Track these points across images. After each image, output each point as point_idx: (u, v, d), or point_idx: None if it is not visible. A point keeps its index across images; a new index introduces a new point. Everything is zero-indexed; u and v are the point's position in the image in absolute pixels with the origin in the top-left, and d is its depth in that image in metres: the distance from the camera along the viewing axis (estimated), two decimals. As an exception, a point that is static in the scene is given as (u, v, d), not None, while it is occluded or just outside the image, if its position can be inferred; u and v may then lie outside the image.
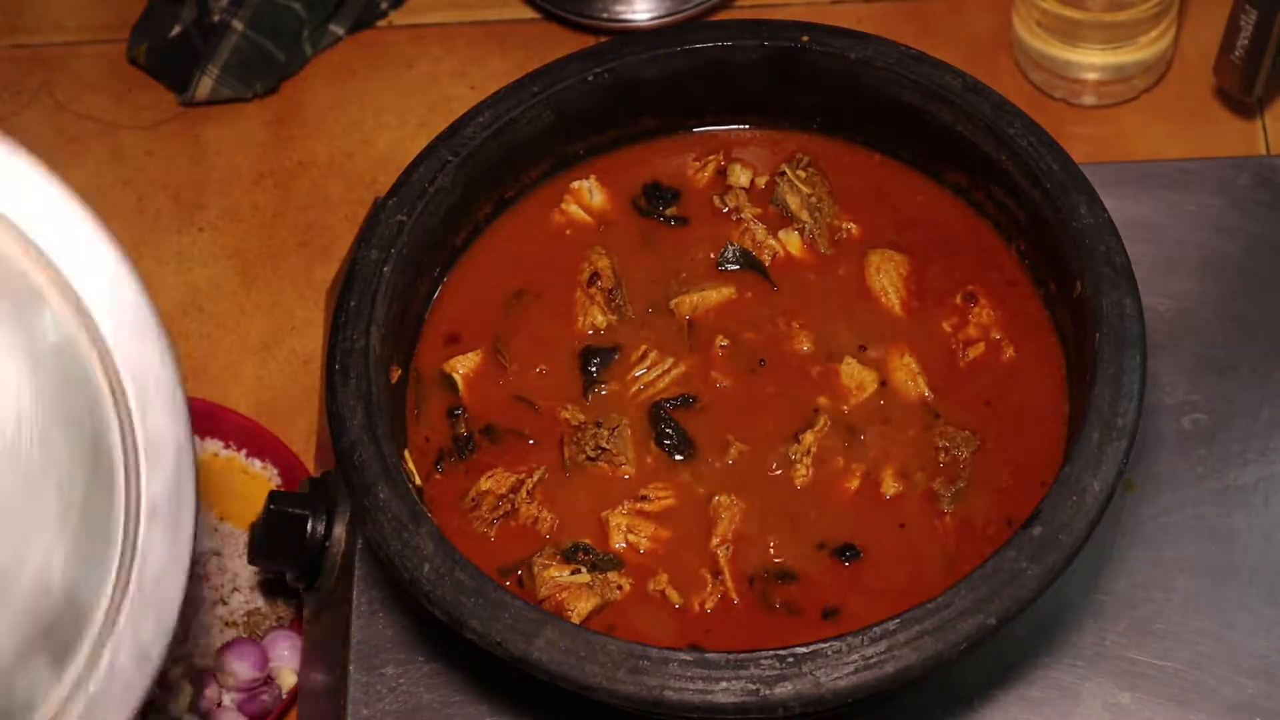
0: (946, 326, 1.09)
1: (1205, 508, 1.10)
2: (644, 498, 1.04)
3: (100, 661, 0.85)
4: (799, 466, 1.04)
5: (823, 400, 1.06)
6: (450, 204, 1.09)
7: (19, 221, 0.90)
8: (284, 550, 1.10)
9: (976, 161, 1.09)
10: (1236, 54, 1.31)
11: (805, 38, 1.11)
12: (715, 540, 1.02)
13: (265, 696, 1.20)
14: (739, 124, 1.17)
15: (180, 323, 1.36)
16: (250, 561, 1.11)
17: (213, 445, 1.29)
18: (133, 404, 0.87)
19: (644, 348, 1.09)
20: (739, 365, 1.08)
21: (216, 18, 1.45)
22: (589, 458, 1.05)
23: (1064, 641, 1.06)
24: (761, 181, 1.15)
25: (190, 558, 0.87)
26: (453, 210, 1.10)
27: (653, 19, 1.44)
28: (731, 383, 1.08)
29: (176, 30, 1.46)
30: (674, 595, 1.01)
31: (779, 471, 1.04)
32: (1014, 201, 1.08)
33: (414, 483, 1.02)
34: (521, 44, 1.46)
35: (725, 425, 1.06)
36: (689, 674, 0.92)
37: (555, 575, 1.01)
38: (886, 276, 1.10)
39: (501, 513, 1.04)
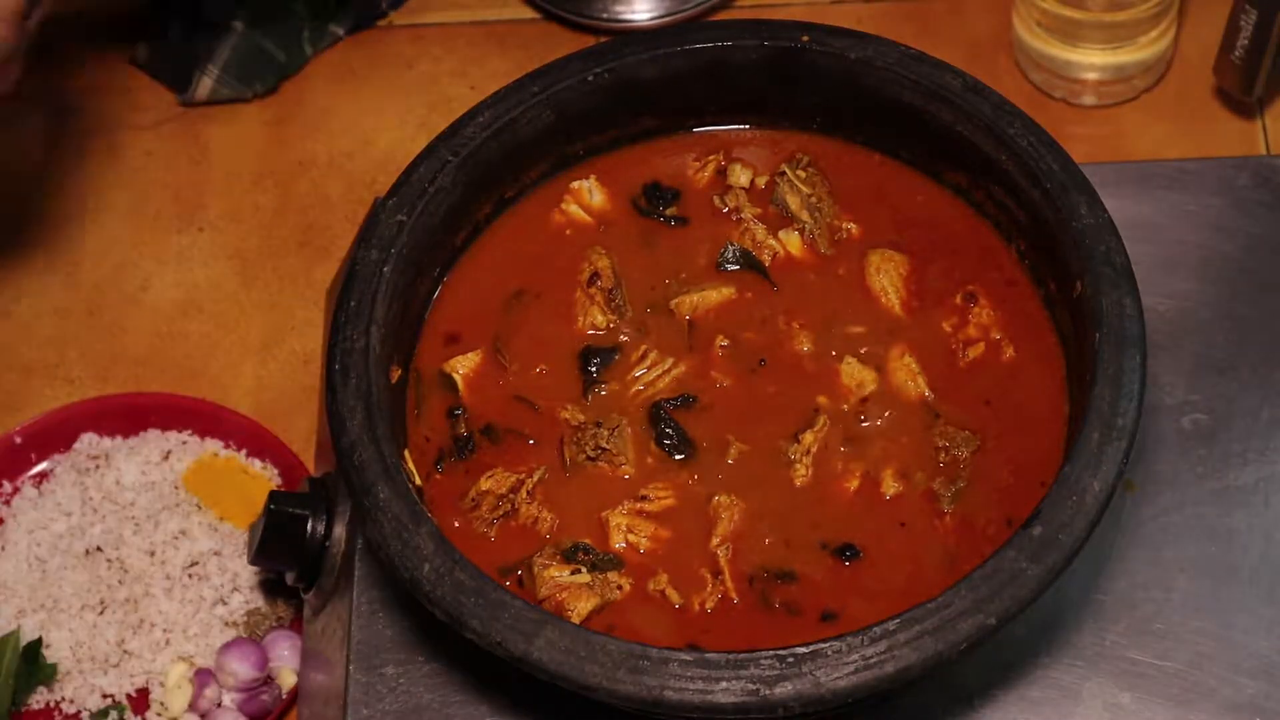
0: (946, 326, 1.09)
1: (1205, 508, 1.10)
2: (644, 498, 1.04)
3: None
4: (799, 466, 1.04)
5: (822, 400, 1.06)
6: (450, 204, 1.09)
7: None
8: (284, 550, 1.10)
9: (976, 161, 1.09)
10: (1236, 54, 1.31)
11: (805, 38, 1.11)
12: (715, 540, 1.02)
13: (265, 696, 1.20)
14: (739, 124, 1.17)
15: (180, 323, 1.36)
16: (250, 561, 1.11)
17: (213, 445, 1.29)
18: None
19: (644, 348, 1.09)
20: (739, 365, 1.08)
21: (216, 18, 1.45)
22: (589, 458, 1.05)
23: (1064, 641, 1.06)
24: (761, 181, 1.15)
25: None
26: (453, 210, 1.10)
27: (653, 19, 1.44)
28: (731, 383, 1.08)
29: (176, 30, 1.46)
30: (674, 595, 1.01)
31: (779, 471, 1.04)
32: (1014, 201, 1.08)
33: (414, 483, 1.02)
34: (521, 44, 1.46)
35: (725, 425, 1.06)
36: (689, 674, 0.92)
37: (555, 575, 1.01)
38: (886, 276, 1.10)
39: (501, 513, 1.04)
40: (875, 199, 1.14)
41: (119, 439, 1.29)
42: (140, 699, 1.20)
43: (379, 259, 1.05)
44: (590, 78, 1.11)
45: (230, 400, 1.31)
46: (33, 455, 1.29)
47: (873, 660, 0.92)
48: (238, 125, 1.44)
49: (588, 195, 1.14)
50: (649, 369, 1.08)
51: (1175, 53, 1.40)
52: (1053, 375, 1.06)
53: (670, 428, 1.06)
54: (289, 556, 1.10)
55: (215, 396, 1.31)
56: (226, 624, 1.22)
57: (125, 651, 1.21)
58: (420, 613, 1.01)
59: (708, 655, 0.92)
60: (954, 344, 1.08)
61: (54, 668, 1.20)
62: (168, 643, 1.21)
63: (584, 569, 1.01)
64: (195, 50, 1.44)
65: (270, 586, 1.23)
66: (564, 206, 1.14)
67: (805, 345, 1.08)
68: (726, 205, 1.14)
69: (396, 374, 1.06)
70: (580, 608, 1.00)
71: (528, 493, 1.04)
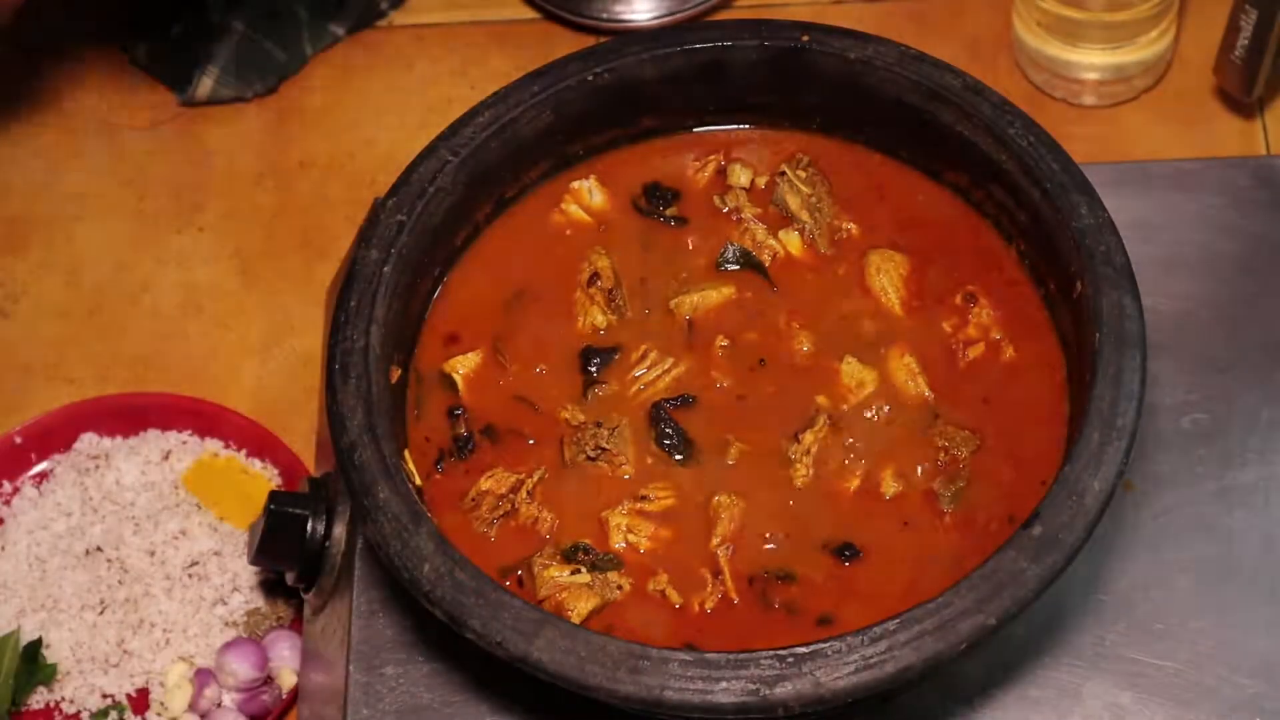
0: (946, 326, 1.09)
1: (1205, 508, 1.10)
2: (644, 498, 1.04)
3: None
4: (799, 466, 1.04)
5: (822, 400, 1.06)
6: (450, 204, 1.09)
7: None
8: (284, 550, 1.10)
9: (976, 161, 1.09)
10: (1236, 54, 1.31)
11: (805, 38, 1.11)
12: (715, 540, 1.02)
13: (265, 696, 1.20)
14: (739, 124, 1.17)
15: (180, 323, 1.36)
16: (250, 561, 1.11)
17: (213, 445, 1.29)
18: None
19: (644, 348, 1.09)
20: (739, 365, 1.08)
21: (216, 18, 1.45)
22: (589, 458, 1.05)
23: (1064, 641, 1.06)
24: (761, 181, 1.15)
25: None
26: (453, 210, 1.10)
27: (653, 19, 1.44)
28: (731, 383, 1.08)
29: (176, 30, 1.46)
30: (674, 595, 1.01)
31: (779, 471, 1.04)
32: (1014, 201, 1.08)
33: (414, 483, 1.02)
34: (521, 44, 1.46)
35: (725, 425, 1.06)
36: (689, 674, 0.92)
37: (555, 575, 1.01)
38: (886, 276, 1.10)
39: (501, 513, 1.04)
40: (875, 199, 1.14)
41: (119, 439, 1.29)
42: (140, 699, 1.20)
43: (379, 259, 1.05)
44: (590, 78, 1.11)
45: (230, 400, 1.31)
46: (33, 455, 1.29)
47: (873, 660, 0.92)
48: (238, 125, 1.44)
49: (588, 195, 1.14)
50: (649, 369, 1.08)
51: (1175, 53, 1.40)
52: (1053, 375, 1.06)
53: (670, 428, 1.06)
54: (289, 556, 1.10)
55: (215, 396, 1.31)
56: (226, 624, 1.22)
57: (125, 651, 1.21)
58: (420, 613, 1.01)
59: (708, 655, 0.92)
60: (954, 344, 1.08)
61: (54, 668, 1.20)
62: (168, 643, 1.21)
63: (584, 569, 1.01)
64: (195, 50, 1.44)
65: (270, 586, 1.23)
66: (564, 206, 1.14)
67: (805, 345, 1.08)
68: (726, 205, 1.14)
69: (396, 374, 1.06)
70: (580, 608, 1.00)
71: (528, 493, 1.04)
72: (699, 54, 1.12)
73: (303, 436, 1.29)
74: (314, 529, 1.09)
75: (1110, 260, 1.02)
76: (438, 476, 1.05)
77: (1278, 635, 1.06)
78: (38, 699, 1.20)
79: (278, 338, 1.35)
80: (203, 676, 1.20)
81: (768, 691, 0.92)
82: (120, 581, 1.22)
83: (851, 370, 1.07)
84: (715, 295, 1.10)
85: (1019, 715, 1.04)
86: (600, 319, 1.10)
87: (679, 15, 1.44)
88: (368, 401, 1.01)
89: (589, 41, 1.43)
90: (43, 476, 1.28)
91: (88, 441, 1.29)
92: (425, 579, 0.96)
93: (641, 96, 1.13)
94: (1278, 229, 1.19)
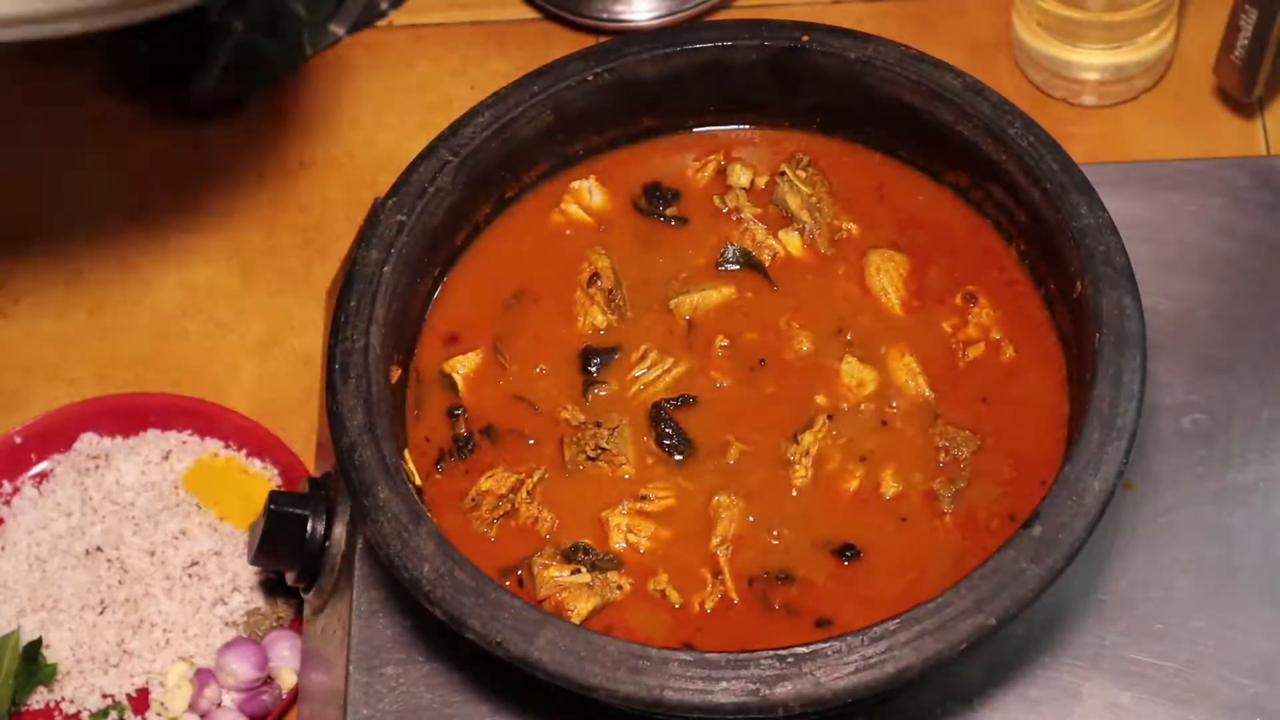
0: (946, 326, 1.09)
1: (1205, 508, 1.10)
2: (644, 498, 1.04)
3: None
4: (798, 467, 1.04)
5: (822, 400, 1.06)
6: (450, 204, 1.09)
7: None
8: (284, 550, 1.10)
9: (976, 161, 1.09)
10: (1236, 54, 1.31)
11: (805, 38, 1.11)
12: (715, 540, 1.02)
13: (265, 696, 1.20)
14: (739, 124, 1.17)
15: (180, 323, 1.36)
16: (250, 561, 1.11)
17: (213, 445, 1.29)
18: None
19: (644, 348, 1.09)
20: (739, 365, 1.08)
21: (216, 18, 1.45)
22: (589, 458, 1.05)
23: (1064, 641, 1.06)
24: (761, 181, 1.15)
25: None
26: (453, 210, 1.10)
27: (653, 19, 1.44)
28: (731, 383, 1.08)
29: (177, 30, 1.45)
30: (674, 595, 1.01)
31: (779, 472, 1.04)
32: (1014, 201, 1.08)
33: (414, 483, 1.02)
34: (521, 44, 1.46)
35: (725, 425, 1.06)
36: (689, 674, 0.92)
37: (555, 575, 1.01)
38: (886, 276, 1.10)
39: (501, 513, 1.04)
40: (875, 199, 1.14)
41: (119, 439, 1.29)
42: (140, 699, 1.20)
43: (379, 259, 1.05)
44: (590, 78, 1.11)
45: (230, 400, 1.31)
46: (33, 455, 1.29)
47: (873, 660, 0.92)
48: (238, 125, 1.44)
49: (588, 195, 1.14)
50: (649, 369, 1.08)
51: (1175, 53, 1.40)
52: (1053, 375, 1.06)
53: (670, 428, 1.06)
54: (289, 556, 1.10)
55: (215, 396, 1.31)
56: (226, 624, 1.22)
57: (125, 651, 1.21)
58: (420, 613, 1.01)
59: (708, 655, 0.92)
60: (954, 344, 1.08)
61: (54, 668, 1.20)
62: (168, 643, 1.21)
63: (584, 569, 1.01)
64: (195, 50, 1.44)
65: (270, 586, 1.23)
66: (564, 206, 1.14)
67: (805, 345, 1.08)
68: (726, 205, 1.14)
69: (396, 374, 1.06)
70: (580, 608, 1.00)
71: (528, 493, 1.04)
72: (699, 54, 1.12)
73: (303, 436, 1.29)
74: (314, 529, 1.09)
75: (1110, 260, 1.02)
76: (438, 476, 1.05)
77: (1278, 635, 1.06)
78: (38, 699, 1.20)
79: (278, 338, 1.35)
80: (203, 676, 1.20)
81: (768, 691, 0.92)
82: (120, 581, 1.22)
83: (851, 370, 1.07)
84: (715, 295, 1.10)
85: (1019, 715, 1.04)
86: (600, 319, 1.10)
87: (679, 15, 1.44)
88: (368, 401, 1.01)
89: (589, 41, 1.44)
90: (43, 476, 1.28)
91: (88, 441, 1.29)
92: (425, 579, 0.96)
93: (641, 96, 1.13)
94: (1278, 229, 1.19)
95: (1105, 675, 1.05)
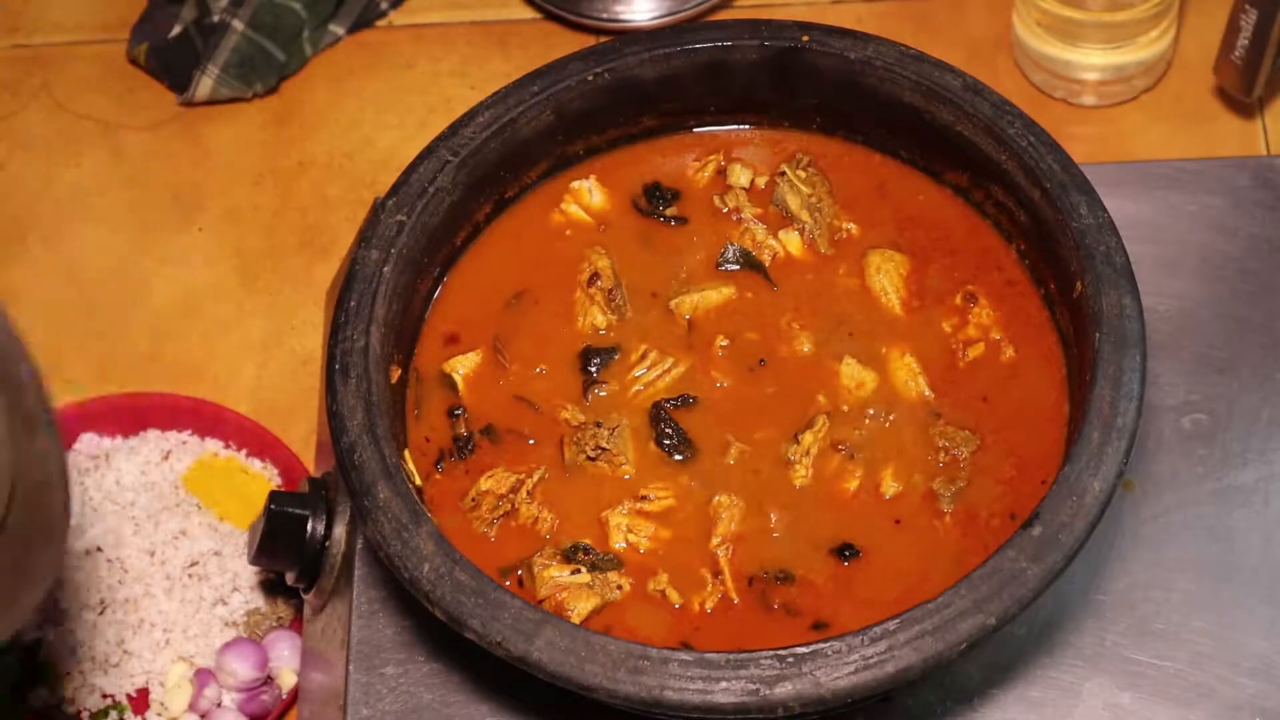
0: (946, 326, 1.09)
1: (1205, 508, 1.10)
2: (644, 498, 1.04)
3: None
4: (799, 466, 1.04)
5: (822, 400, 1.06)
6: (450, 204, 1.09)
7: None
8: (284, 550, 1.10)
9: (976, 161, 1.09)
10: (1236, 54, 1.31)
11: (805, 38, 1.11)
12: (715, 540, 1.02)
13: (265, 696, 1.20)
14: (739, 124, 1.17)
15: (180, 323, 1.36)
16: (250, 561, 1.11)
17: (213, 445, 1.29)
18: None
19: (644, 348, 1.09)
20: (739, 365, 1.08)
21: (216, 18, 1.45)
22: (589, 458, 1.05)
23: (1064, 641, 1.06)
24: (761, 181, 1.15)
25: None
26: (453, 210, 1.10)
27: (653, 19, 1.44)
28: (731, 383, 1.08)
29: (176, 30, 1.46)
30: (674, 595, 1.01)
31: (779, 472, 1.04)
32: (1014, 201, 1.08)
33: (414, 483, 1.02)
34: (521, 44, 1.46)
35: (725, 425, 1.06)
36: (689, 674, 0.92)
37: (555, 575, 1.01)
38: (886, 276, 1.10)
39: (501, 513, 1.04)
40: (875, 199, 1.14)
41: (119, 439, 1.29)
42: (140, 699, 1.20)
43: (379, 259, 1.05)
44: (590, 78, 1.11)
45: (230, 400, 1.31)
46: (33, 455, 1.29)
47: (873, 660, 0.92)
48: (238, 125, 1.44)
49: (588, 195, 1.14)
50: (649, 369, 1.08)
51: (1175, 53, 1.40)
52: (1053, 375, 1.06)
53: (670, 428, 1.06)
54: (289, 556, 1.10)
55: (215, 396, 1.31)
56: (226, 624, 1.22)
57: (125, 651, 1.21)
58: (420, 613, 1.01)
59: (707, 655, 0.92)
60: (954, 344, 1.08)
61: (54, 668, 1.20)
62: (168, 643, 1.21)
63: (584, 569, 1.01)
64: (195, 50, 1.44)
65: (270, 586, 1.23)
66: (564, 206, 1.14)
67: (805, 345, 1.08)
68: (726, 205, 1.14)
69: (396, 374, 1.06)
70: (580, 608, 1.00)
71: (528, 493, 1.04)
72: (699, 54, 1.12)
73: (303, 436, 1.29)
74: (314, 529, 1.09)
75: (1110, 260, 1.02)
76: (438, 476, 1.05)
77: (1278, 635, 1.06)
78: (38, 699, 1.20)
79: (278, 338, 1.35)
80: (203, 676, 1.20)
81: (767, 691, 0.92)
82: (120, 581, 1.22)
83: (851, 370, 1.07)
84: (715, 295, 1.10)
85: (1019, 715, 1.04)
86: (600, 319, 1.10)
87: (679, 15, 1.44)
88: (368, 401, 1.01)
89: (589, 41, 1.44)
90: (43, 476, 1.28)
91: (88, 441, 1.29)
92: (425, 579, 0.96)
93: (641, 96, 1.13)
94: (1278, 229, 1.19)
95: (1105, 675, 1.05)
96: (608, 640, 0.93)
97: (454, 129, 1.10)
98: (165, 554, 1.23)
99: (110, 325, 1.37)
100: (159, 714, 1.20)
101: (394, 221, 1.07)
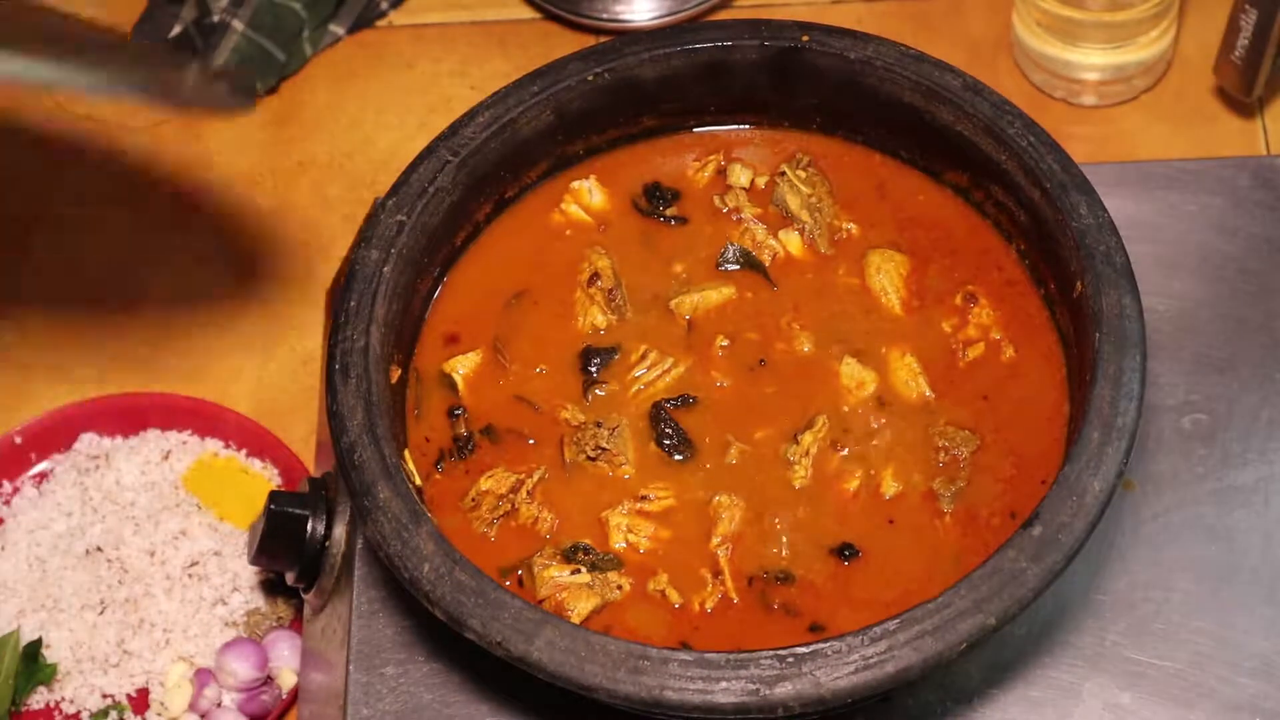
0: (946, 326, 1.09)
1: (1205, 508, 1.10)
2: (644, 498, 1.04)
3: None
4: (799, 467, 1.04)
5: (822, 400, 1.06)
6: (450, 204, 1.09)
7: None
8: (284, 550, 1.10)
9: (976, 161, 1.09)
10: (1236, 54, 1.31)
11: (805, 38, 1.11)
12: (715, 540, 1.02)
13: (265, 696, 1.20)
14: (739, 124, 1.17)
15: (180, 323, 1.36)
16: (250, 561, 1.11)
17: (213, 445, 1.29)
18: None
19: (644, 348, 1.09)
20: (739, 365, 1.08)
21: (216, 18, 1.45)
22: (589, 458, 1.05)
23: (1064, 641, 1.06)
24: (761, 181, 1.15)
25: None
26: (453, 210, 1.10)
27: (653, 19, 1.44)
28: (731, 383, 1.08)
29: (176, 30, 1.46)
30: (674, 595, 1.01)
31: (779, 472, 1.04)
32: (1014, 201, 1.08)
33: (414, 483, 1.02)
34: (521, 44, 1.46)
35: (725, 425, 1.06)
36: (689, 674, 0.92)
37: (555, 575, 1.01)
38: (886, 276, 1.10)
39: (501, 513, 1.04)
40: (875, 199, 1.14)
41: (119, 439, 1.29)
42: (140, 699, 1.20)
43: (379, 259, 1.05)
44: (590, 78, 1.11)
45: (230, 400, 1.31)
46: (33, 455, 1.29)
47: (873, 660, 0.92)
48: (238, 125, 1.44)
49: (588, 195, 1.14)
50: (649, 369, 1.08)
51: (1175, 53, 1.40)
52: (1053, 375, 1.06)
53: (670, 428, 1.06)
54: (289, 556, 1.10)
55: (215, 396, 1.31)
56: (226, 624, 1.22)
57: (125, 651, 1.21)
58: (420, 613, 1.01)
59: (707, 655, 0.92)
60: (954, 344, 1.08)
61: (54, 668, 1.20)
62: (168, 643, 1.21)
63: (584, 569, 1.01)
64: (195, 50, 1.44)
65: (270, 586, 1.23)
66: (564, 206, 1.14)
67: (805, 345, 1.08)
68: (726, 205, 1.14)
69: (396, 374, 1.06)
70: (580, 608, 1.00)
71: (528, 493, 1.04)
72: (699, 54, 1.12)
73: (303, 436, 1.29)
74: (314, 529, 1.09)
75: (1110, 260, 1.02)
76: (438, 476, 1.05)
77: (1278, 635, 1.06)
78: (38, 699, 1.20)
79: (278, 338, 1.35)
80: (203, 676, 1.20)
81: (767, 691, 0.92)
82: (120, 581, 1.22)
83: (851, 370, 1.07)
84: (715, 295, 1.10)
85: (1019, 715, 1.04)
86: (600, 319, 1.10)
87: (679, 15, 1.44)
88: (368, 401, 1.01)
89: (589, 41, 1.44)
90: (43, 476, 1.28)
91: (88, 441, 1.29)
92: (425, 579, 0.96)
93: (641, 96, 1.13)
94: (1278, 229, 1.19)
95: (1105, 675, 1.05)
96: (608, 640, 0.93)
97: (454, 129, 1.10)
98: (165, 554, 1.23)
99: (110, 325, 1.37)
100: (159, 714, 1.20)
101: (394, 221, 1.07)
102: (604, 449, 1.05)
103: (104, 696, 1.20)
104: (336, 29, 1.48)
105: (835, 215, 1.13)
